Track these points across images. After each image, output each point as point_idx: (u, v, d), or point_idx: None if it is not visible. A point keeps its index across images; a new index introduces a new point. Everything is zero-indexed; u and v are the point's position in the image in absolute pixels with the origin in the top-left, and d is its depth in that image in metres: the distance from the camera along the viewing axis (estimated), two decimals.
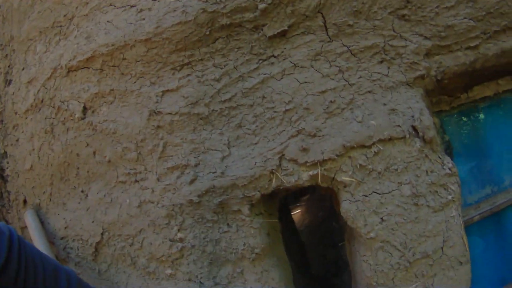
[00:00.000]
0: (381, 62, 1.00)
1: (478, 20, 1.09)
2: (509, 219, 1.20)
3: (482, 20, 1.09)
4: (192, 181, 1.01)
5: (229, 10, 1.01)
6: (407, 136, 0.97)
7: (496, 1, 1.11)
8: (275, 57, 1.01)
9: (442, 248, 0.99)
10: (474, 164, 1.16)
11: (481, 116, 1.17)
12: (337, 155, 0.96)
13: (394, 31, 1.02)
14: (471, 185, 1.15)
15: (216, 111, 1.01)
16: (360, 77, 0.99)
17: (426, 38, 1.04)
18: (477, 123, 1.17)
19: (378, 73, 1.00)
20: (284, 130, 0.99)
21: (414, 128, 0.98)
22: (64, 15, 1.28)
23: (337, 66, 0.99)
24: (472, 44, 1.07)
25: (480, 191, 1.17)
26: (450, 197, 0.99)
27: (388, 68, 1.01)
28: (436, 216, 0.99)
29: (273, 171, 0.98)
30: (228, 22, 1.01)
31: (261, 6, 0.99)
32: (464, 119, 1.15)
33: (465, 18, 1.07)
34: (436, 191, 1.00)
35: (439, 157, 1.00)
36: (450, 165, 0.99)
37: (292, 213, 2.79)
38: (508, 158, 1.19)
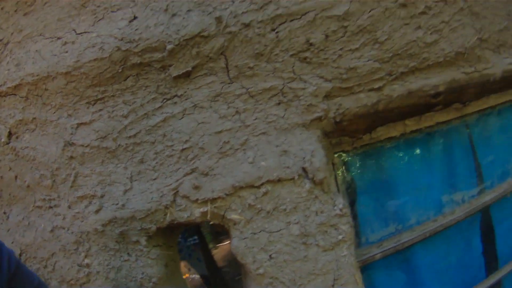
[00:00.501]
0: (279, 104, 1.04)
1: (384, 62, 1.11)
2: (416, 256, 1.24)
3: (388, 61, 1.12)
4: (97, 211, 1.07)
5: (140, 50, 1.06)
6: (296, 177, 1.01)
7: (405, 43, 1.14)
8: (178, 96, 1.05)
9: (333, 285, 1.04)
10: (378, 202, 1.20)
11: (387, 155, 1.20)
12: (226, 194, 1.01)
13: (294, 73, 1.05)
14: (374, 223, 1.19)
15: (122, 146, 1.06)
16: (256, 118, 1.03)
17: (326, 80, 1.07)
18: (382, 162, 1.20)
19: (275, 114, 1.03)
20: (180, 168, 1.04)
21: (304, 169, 1.01)
22: (0, 40, 1.33)
23: (234, 108, 1.03)
24: (375, 86, 1.10)
25: (384, 230, 1.20)
26: (340, 237, 1.03)
27: (285, 110, 1.04)
28: (326, 255, 1.03)
29: (168, 206, 1.03)
30: (138, 61, 1.06)
31: (169, 46, 1.03)
32: (369, 158, 1.18)
33: (369, 60, 1.10)
34: (326, 231, 1.04)
35: (331, 198, 1.04)
36: (341, 206, 1.03)
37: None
38: (413, 197, 1.22)
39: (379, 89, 1.10)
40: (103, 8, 1.14)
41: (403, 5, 1.14)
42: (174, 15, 1.07)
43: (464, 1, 1.29)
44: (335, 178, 1.14)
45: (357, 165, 1.18)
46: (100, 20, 1.13)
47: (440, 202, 1.27)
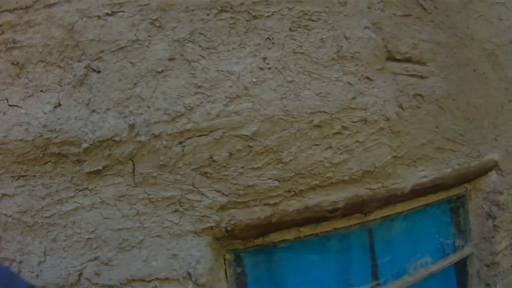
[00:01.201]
0: (175, 211, 1.16)
1: (284, 181, 1.22)
2: None
3: (289, 180, 1.22)
4: (17, 273, 1.23)
5: (59, 141, 1.17)
6: (181, 279, 1.15)
7: (311, 163, 1.23)
8: (89, 190, 1.18)
9: None
10: None
11: (280, 253, 1.32)
12: (121, 284, 1.16)
13: (193, 186, 1.16)
14: None
15: (39, 223, 1.20)
16: (153, 222, 1.16)
17: (223, 194, 1.18)
18: (275, 258, 1.33)
19: (170, 221, 1.16)
20: (85, 253, 1.18)
21: (188, 273, 1.15)
22: None
23: (136, 209, 1.15)
24: (271, 202, 1.21)
25: None
26: None
27: (180, 218, 1.16)
28: None
29: (73, 284, 1.18)
30: (57, 151, 1.17)
31: (84, 145, 1.14)
32: (262, 255, 1.31)
33: (269, 178, 1.20)
34: None
35: None
36: None
37: None
38: None
39: (275, 204, 1.21)
40: (33, 85, 1.20)
41: (318, 126, 1.23)
42: (93, 111, 1.17)
43: (386, 120, 1.37)
44: (225, 271, 1.27)
45: (250, 260, 1.30)
46: (29, 96, 1.21)
47: None
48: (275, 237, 1.30)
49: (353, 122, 1.27)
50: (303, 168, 1.21)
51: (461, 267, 1.80)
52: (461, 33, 1.84)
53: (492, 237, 1.75)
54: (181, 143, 1.16)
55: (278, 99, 1.19)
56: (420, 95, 1.53)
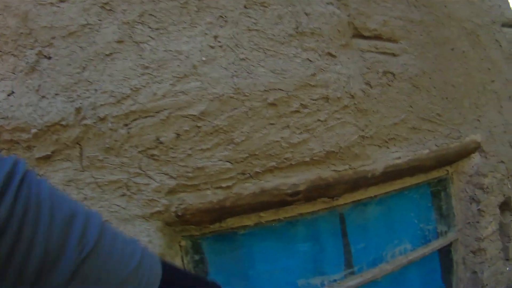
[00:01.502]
0: (122, 195, 1.10)
1: (237, 162, 1.15)
2: None
3: (242, 162, 1.16)
4: None
5: (11, 128, 1.13)
6: None
7: (266, 143, 1.17)
8: (39, 176, 1.12)
9: None
10: (231, 284, 1.27)
11: (241, 240, 1.26)
12: None
13: (140, 169, 1.11)
14: None
15: None
16: (101, 206, 1.10)
17: (171, 177, 1.12)
18: (237, 245, 1.26)
19: (117, 205, 1.10)
20: None
21: None
22: None
23: (83, 194, 1.10)
24: (224, 185, 1.14)
25: None
26: None
27: (127, 202, 1.11)
28: None
29: None
30: (10, 138, 1.13)
31: (33, 131, 1.10)
32: (222, 241, 1.24)
33: (220, 160, 1.14)
34: None
35: None
36: None
37: None
38: (266, 280, 1.28)
39: (228, 187, 1.15)
40: None
41: (272, 105, 1.16)
42: (43, 97, 1.14)
43: (351, 98, 1.30)
44: (182, 259, 1.21)
45: (210, 247, 1.24)
46: None
47: (296, 286, 1.33)
48: (232, 222, 1.23)
49: (313, 100, 1.20)
50: (257, 149, 1.14)
51: (445, 253, 1.70)
52: (437, 11, 1.75)
53: (477, 222, 1.65)
54: (126, 125, 1.10)
55: (228, 77, 1.13)
56: (391, 72, 1.46)
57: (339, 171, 1.27)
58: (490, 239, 1.70)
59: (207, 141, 1.13)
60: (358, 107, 1.32)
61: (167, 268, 0.48)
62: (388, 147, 1.42)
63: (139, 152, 1.11)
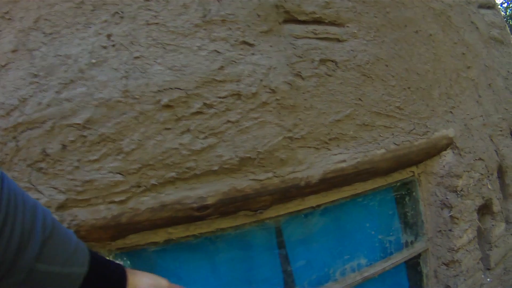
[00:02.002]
0: None
1: (129, 174, 0.98)
2: None
3: (135, 173, 0.99)
4: None
5: None
6: None
7: (162, 151, 0.99)
8: None
9: None
10: None
11: (155, 258, 1.08)
12: None
13: (30, 183, 0.96)
14: None
15: None
16: None
17: (61, 191, 0.97)
18: (152, 264, 1.09)
19: None
20: None
21: None
22: None
23: None
24: (117, 199, 0.98)
25: None
26: None
27: None
28: None
29: None
30: None
31: None
32: (138, 260, 1.08)
33: (110, 172, 0.97)
34: None
35: None
36: None
37: None
38: None
39: (122, 202, 0.98)
40: None
41: (168, 106, 0.98)
42: None
43: (271, 93, 1.10)
44: None
45: (124, 264, 1.07)
46: None
47: None
48: (138, 239, 1.06)
49: (219, 98, 1.01)
50: (151, 158, 0.97)
51: (413, 266, 1.48)
52: None
53: (450, 230, 1.41)
54: (15, 137, 0.97)
55: (117, 79, 0.97)
56: (332, 61, 1.24)
57: (261, 180, 1.08)
58: (465, 249, 1.45)
59: (95, 152, 0.97)
60: (283, 104, 1.12)
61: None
62: (329, 149, 1.21)
63: (28, 165, 0.97)
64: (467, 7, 1.73)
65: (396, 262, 1.38)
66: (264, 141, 1.07)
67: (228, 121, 1.03)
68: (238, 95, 1.04)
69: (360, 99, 1.28)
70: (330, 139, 1.21)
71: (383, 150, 1.29)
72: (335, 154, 1.22)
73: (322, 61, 1.22)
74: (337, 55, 1.26)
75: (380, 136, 1.31)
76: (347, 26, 1.32)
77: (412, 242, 1.46)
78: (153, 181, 0.99)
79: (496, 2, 1.98)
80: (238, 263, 1.18)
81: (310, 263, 1.26)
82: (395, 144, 1.32)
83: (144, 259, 1.12)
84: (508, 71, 1.87)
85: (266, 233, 1.21)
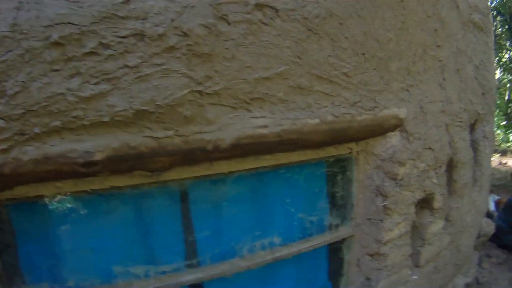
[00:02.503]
0: None
1: (13, 120, 0.80)
2: None
3: (18, 119, 0.79)
4: None
5: None
6: None
7: (46, 96, 0.81)
8: None
9: None
10: (38, 256, 0.99)
11: (47, 213, 0.95)
12: None
13: None
14: (32, 276, 0.99)
15: None
16: None
17: None
18: (45, 218, 0.94)
19: None
20: None
21: None
22: None
23: None
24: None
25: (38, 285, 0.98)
26: None
27: None
28: None
29: None
30: None
31: None
32: (31, 212, 0.96)
33: None
34: None
35: None
36: None
37: None
38: (75, 260, 1.00)
39: (4, 151, 0.79)
40: None
41: (58, 44, 0.78)
42: None
43: (182, 36, 0.88)
44: None
45: (16, 215, 0.95)
46: None
47: (110, 272, 0.99)
48: (26, 190, 0.90)
49: (119, 37, 0.83)
50: (36, 103, 0.79)
51: (335, 251, 1.36)
52: None
53: (381, 220, 1.27)
54: None
55: (9, 10, 0.75)
56: (271, 7, 1.02)
57: (159, 138, 0.90)
58: (394, 243, 1.33)
59: None
60: (195, 50, 0.92)
61: None
62: (249, 110, 1.03)
63: None
64: None
65: (316, 245, 1.25)
66: (166, 93, 0.88)
67: (126, 66, 0.84)
68: (141, 35, 0.84)
69: (299, 56, 1.08)
70: (252, 99, 1.02)
71: (317, 120, 1.11)
72: (256, 117, 1.04)
73: (259, 6, 1.00)
74: (281, 1, 1.04)
75: (317, 103, 1.12)
76: None
77: (337, 226, 1.33)
78: (36, 130, 0.80)
79: None
80: (134, 226, 1.03)
81: (216, 235, 1.12)
82: (333, 115, 1.14)
83: (38, 212, 0.96)
84: (482, 61, 1.68)
85: (168, 196, 1.05)
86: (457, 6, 1.52)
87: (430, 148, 1.37)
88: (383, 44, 1.25)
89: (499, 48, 6.47)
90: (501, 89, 10.16)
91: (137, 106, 0.87)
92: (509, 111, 10.22)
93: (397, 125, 1.28)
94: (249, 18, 0.99)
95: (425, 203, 1.45)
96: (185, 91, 0.91)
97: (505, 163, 6.42)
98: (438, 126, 1.41)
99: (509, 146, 9.14)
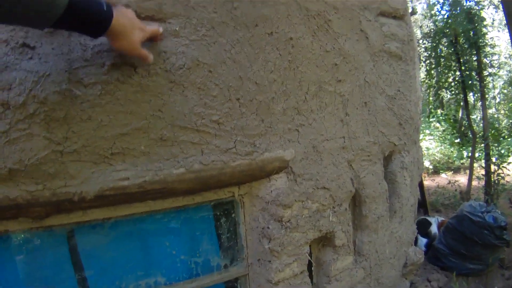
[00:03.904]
0: None
1: None
2: None
3: None
4: None
5: None
6: None
7: None
8: None
9: None
10: None
11: None
12: None
13: None
14: None
15: None
16: None
17: None
18: None
19: None
20: None
21: None
22: None
23: None
24: None
25: None
26: None
27: None
28: None
29: None
30: None
31: None
32: None
33: None
34: None
35: None
36: None
37: None
38: None
39: None
40: None
41: None
42: None
43: (40, 104, 0.96)
44: None
45: None
46: None
47: None
48: None
49: None
50: None
51: None
52: None
53: (269, 261, 1.25)
54: None
55: None
56: (129, 64, 1.05)
57: (31, 191, 1.00)
58: (289, 282, 1.30)
59: None
60: (52, 116, 0.97)
61: None
62: (110, 164, 1.06)
63: None
64: (360, 12, 1.42)
65: (204, 284, 1.26)
66: (31, 154, 0.98)
67: None
68: (7, 104, 0.92)
69: (160, 110, 1.10)
70: (112, 154, 1.06)
71: (182, 170, 1.12)
72: (118, 170, 1.07)
73: (115, 66, 1.02)
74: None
75: (183, 153, 1.13)
76: (169, 22, 1.10)
77: (226, 266, 1.33)
78: None
79: (407, 12, 1.61)
80: (27, 265, 1.11)
81: (105, 273, 1.17)
82: (202, 163, 1.14)
83: None
84: (399, 90, 1.58)
85: (55, 238, 1.13)
86: (367, 37, 1.45)
87: (324, 188, 1.33)
88: (264, 87, 1.23)
89: (447, 69, 6.22)
90: (451, 108, 11.40)
91: (10, 165, 0.97)
92: (462, 129, 10.69)
93: (281, 167, 1.25)
94: (105, 79, 1.02)
95: (326, 241, 1.40)
96: (46, 152, 0.98)
97: (455, 182, 6.19)
98: (336, 164, 1.36)
99: (463, 163, 9.03)
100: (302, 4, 1.37)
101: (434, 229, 3.82)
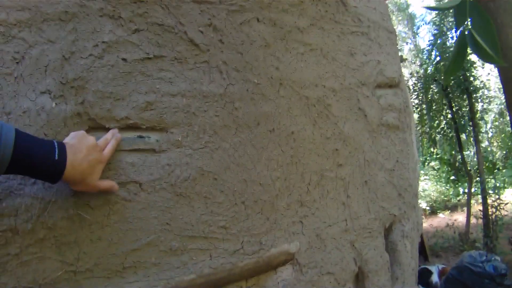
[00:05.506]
0: None
1: None
2: None
3: None
4: None
5: None
6: None
7: None
8: None
9: None
10: None
11: None
12: None
13: None
14: None
15: None
16: None
17: None
18: None
19: None
20: None
21: None
22: None
23: None
24: None
25: None
26: None
27: None
28: None
29: None
30: None
31: None
32: None
33: None
34: None
35: None
36: None
37: None
38: None
39: None
40: None
41: None
42: None
43: (47, 229, 1.01)
44: None
45: None
46: None
47: None
48: None
49: None
50: None
51: None
52: (261, 76, 1.26)
53: None
54: None
55: None
56: (135, 182, 1.06)
57: None
58: None
59: None
60: (62, 240, 0.98)
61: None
62: (123, 277, 1.07)
63: None
64: (358, 90, 1.41)
65: None
66: (44, 274, 1.02)
67: (9, 254, 0.94)
68: (15, 230, 0.93)
69: (168, 223, 1.10)
70: (124, 268, 1.08)
71: (192, 276, 1.14)
72: (131, 282, 1.09)
73: (121, 184, 1.03)
74: (146, 173, 1.08)
75: (192, 259, 1.15)
76: (171, 132, 1.11)
77: None
78: None
79: (402, 78, 1.60)
80: None
81: None
82: (211, 267, 1.15)
83: None
84: (397, 160, 1.58)
85: None
86: (365, 115, 1.44)
87: (329, 273, 1.35)
88: (268, 186, 1.24)
89: (439, 113, 6.15)
90: (445, 148, 11.13)
91: (25, 285, 0.99)
92: (457, 164, 10.59)
93: (287, 260, 1.27)
94: (111, 198, 1.03)
95: None
96: (60, 272, 1.00)
97: (453, 223, 6.06)
98: (339, 247, 1.38)
99: (459, 200, 8.85)
100: (302, 94, 1.36)
101: (435, 278, 3.78)
